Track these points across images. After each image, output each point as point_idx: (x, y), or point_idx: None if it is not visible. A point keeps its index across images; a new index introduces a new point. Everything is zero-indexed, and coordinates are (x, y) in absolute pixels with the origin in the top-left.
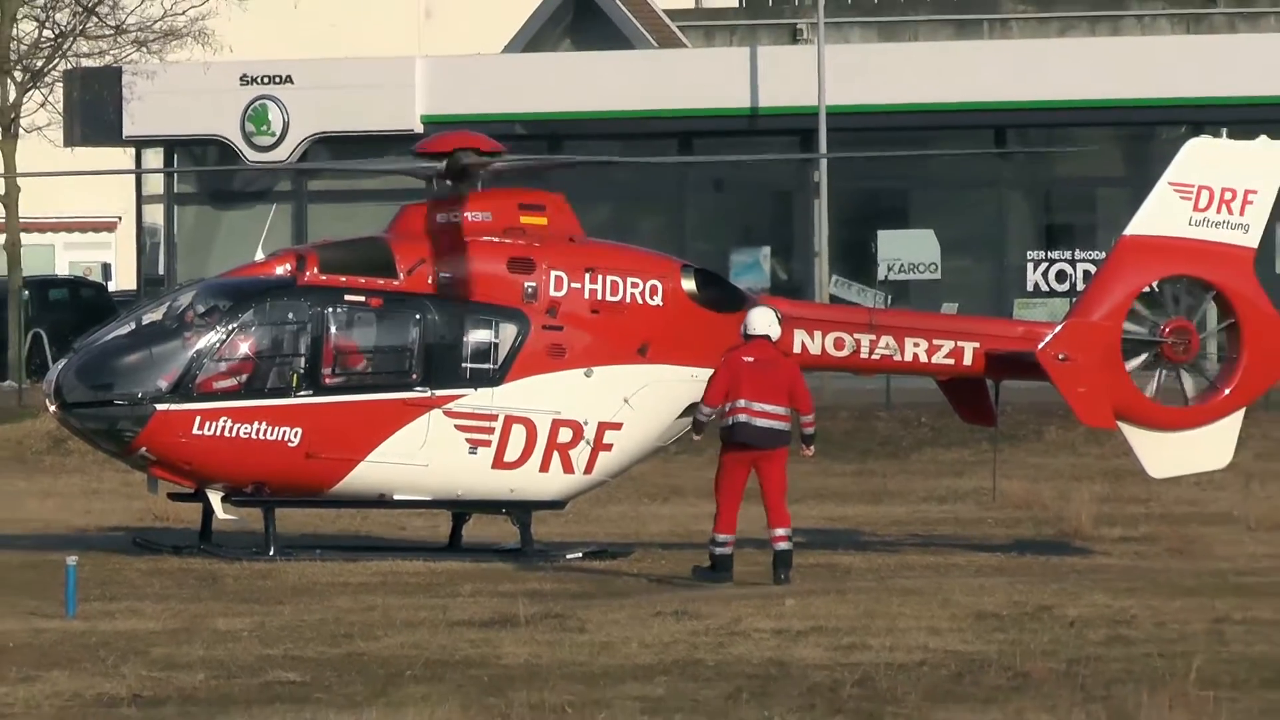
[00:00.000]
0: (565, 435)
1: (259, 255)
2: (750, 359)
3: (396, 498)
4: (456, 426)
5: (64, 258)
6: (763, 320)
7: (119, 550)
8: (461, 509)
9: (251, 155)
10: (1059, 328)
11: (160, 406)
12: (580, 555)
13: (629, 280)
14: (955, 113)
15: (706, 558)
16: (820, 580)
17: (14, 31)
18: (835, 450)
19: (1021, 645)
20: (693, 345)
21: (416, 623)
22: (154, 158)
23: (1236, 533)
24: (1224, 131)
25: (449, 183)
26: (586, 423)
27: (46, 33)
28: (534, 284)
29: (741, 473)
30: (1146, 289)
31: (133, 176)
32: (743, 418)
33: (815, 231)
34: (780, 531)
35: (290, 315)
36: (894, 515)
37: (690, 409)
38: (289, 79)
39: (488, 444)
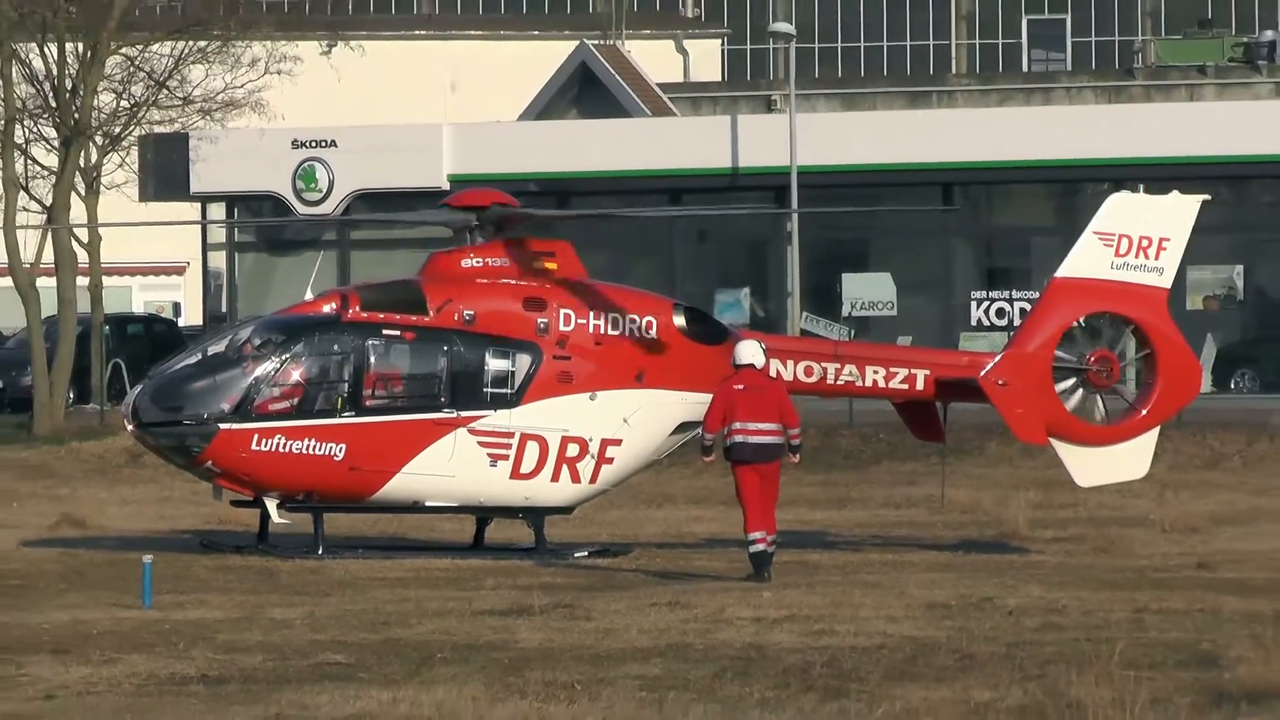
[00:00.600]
0: (573, 450)
1: (308, 295)
2: (741, 386)
3: (428, 504)
4: (479, 443)
5: (139, 297)
6: (749, 351)
7: (188, 550)
8: (484, 514)
9: (301, 209)
10: (998, 357)
11: (223, 426)
12: (586, 554)
13: (627, 317)
14: (908, 171)
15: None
16: (793, 575)
17: (95, 102)
18: (804, 463)
19: (967, 631)
20: (683, 372)
21: (445, 612)
22: (217, 211)
23: (1153, 534)
24: (1141, 187)
25: (473, 232)
26: (591, 439)
27: (123, 103)
28: (546, 320)
29: (755, 478)
30: (1074, 324)
31: (199, 227)
32: (739, 438)
33: (788, 274)
34: (766, 537)
35: (335, 347)
36: (856, 519)
37: (682, 427)
38: (334, 143)
39: (506, 458)
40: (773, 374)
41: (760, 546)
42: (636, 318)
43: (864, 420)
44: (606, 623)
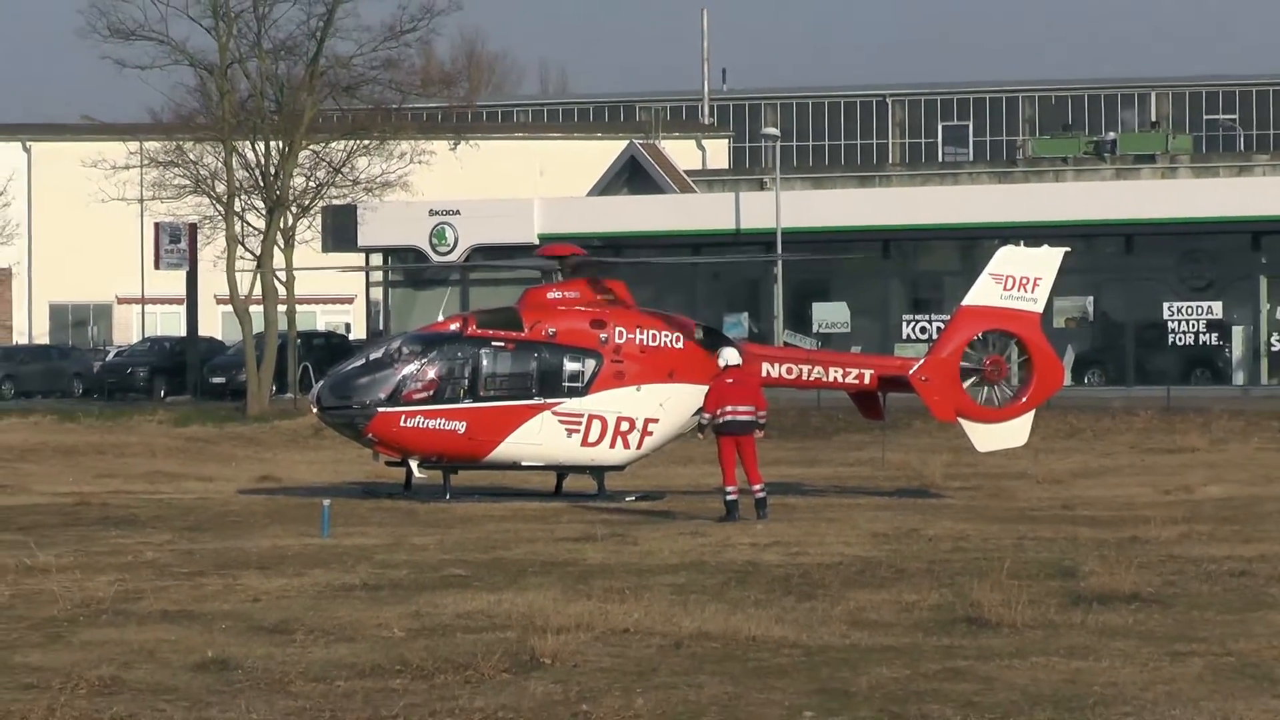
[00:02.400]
0: (625, 426)
1: (440, 317)
2: (730, 380)
3: (523, 464)
4: (559, 421)
5: (321, 319)
6: (734, 355)
7: (354, 496)
8: (562, 471)
9: (435, 258)
10: (922, 361)
11: (380, 409)
12: (634, 498)
13: (663, 333)
14: (858, 232)
15: (721, 508)
16: (777, 514)
17: (291, 183)
18: (786, 435)
19: (900, 553)
20: (701, 372)
21: (535, 539)
22: (376, 259)
23: (1029, 485)
24: (1022, 242)
25: (556, 274)
26: (637, 419)
27: (310, 183)
28: (606, 335)
29: (733, 449)
30: (975, 337)
31: (363, 269)
32: (729, 417)
33: (774, 302)
34: (757, 486)
35: (459, 354)
36: (822, 474)
37: (700, 411)
38: (458, 211)
39: (578, 431)
40: (764, 372)
41: (733, 497)
42: (669, 334)
43: (828, 405)
44: (647, 546)
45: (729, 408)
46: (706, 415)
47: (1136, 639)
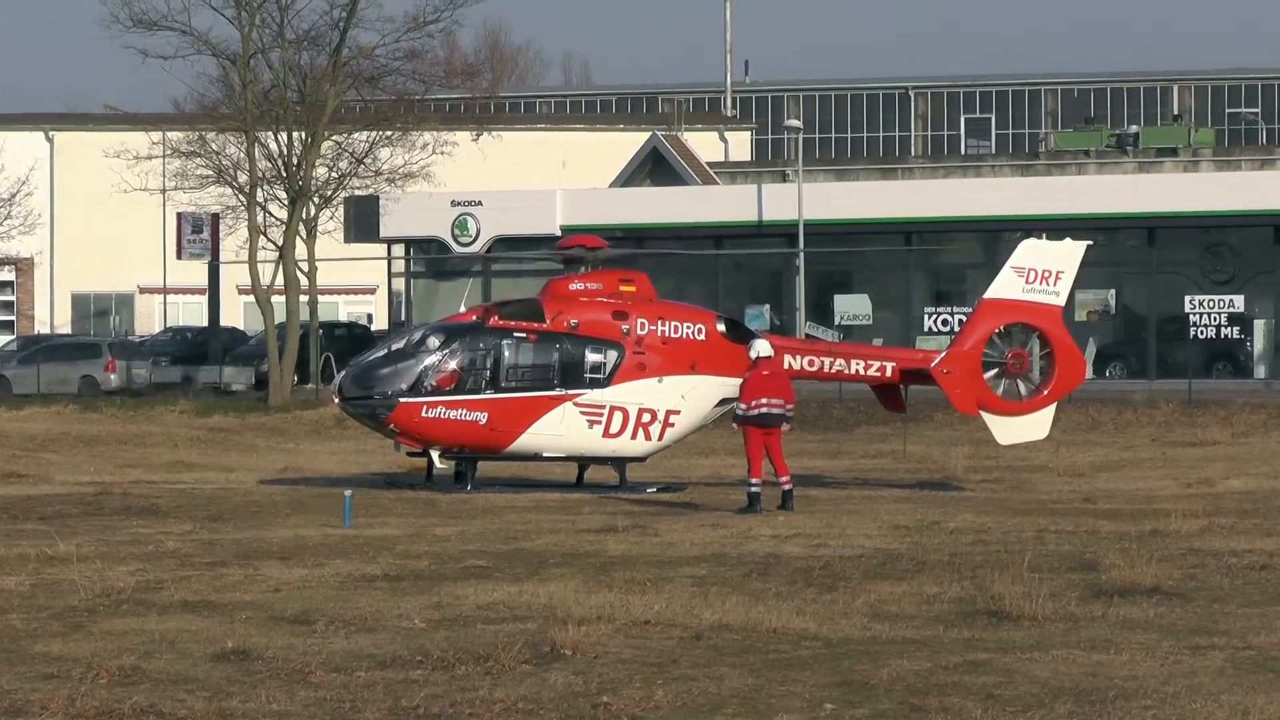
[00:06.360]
0: (646, 418)
1: (462, 308)
2: (766, 373)
3: (545, 455)
4: (581, 412)
5: (343, 310)
6: (766, 347)
7: (376, 486)
8: (584, 462)
9: (457, 248)
10: (944, 353)
11: (402, 399)
12: (655, 489)
13: (685, 324)
14: (880, 224)
15: (741, 499)
16: (800, 505)
17: (313, 173)
18: (808, 427)
19: (921, 545)
20: (723, 363)
21: (556, 530)
22: (398, 250)
23: (1050, 478)
24: (1044, 235)
25: (579, 265)
26: (659, 410)
27: (333, 174)
28: (628, 326)
29: (760, 441)
30: (996, 330)
31: (385, 260)
32: (764, 409)
33: (796, 295)
34: (785, 478)
35: (481, 345)
36: (844, 466)
37: (722, 402)
38: (480, 202)
39: (600, 422)
40: (786, 364)
41: (756, 490)
42: (691, 325)
43: (850, 397)
44: (669, 538)
45: (764, 400)
46: (743, 406)
47: (1157, 632)
